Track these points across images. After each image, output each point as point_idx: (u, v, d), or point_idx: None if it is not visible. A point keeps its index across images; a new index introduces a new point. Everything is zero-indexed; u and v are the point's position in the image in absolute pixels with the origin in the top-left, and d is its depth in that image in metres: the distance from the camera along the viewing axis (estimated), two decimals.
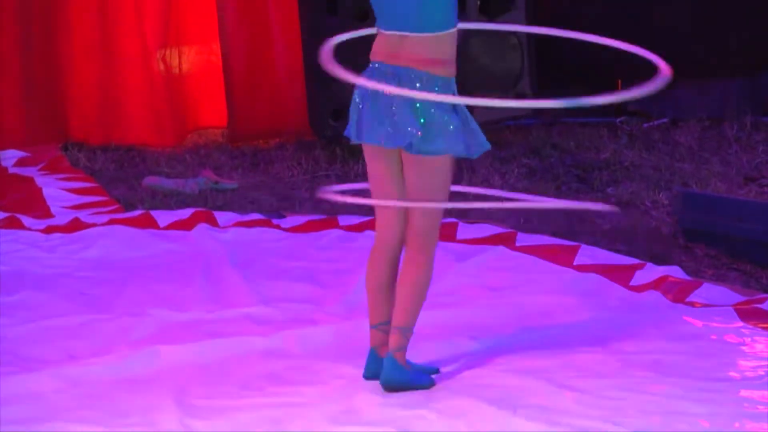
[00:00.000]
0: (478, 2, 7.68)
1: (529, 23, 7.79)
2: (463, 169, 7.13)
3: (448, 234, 5.61)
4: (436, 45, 4.02)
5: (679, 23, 8.28)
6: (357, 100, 4.08)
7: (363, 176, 4.37)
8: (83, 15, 8.04)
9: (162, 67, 8.14)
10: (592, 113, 8.39)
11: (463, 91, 7.67)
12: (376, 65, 4.03)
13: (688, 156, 7.29)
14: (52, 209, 6.46)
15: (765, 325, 4.60)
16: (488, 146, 4.22)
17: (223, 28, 8.11)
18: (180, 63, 8.20)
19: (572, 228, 5.99)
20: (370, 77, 4.00)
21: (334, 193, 4.09)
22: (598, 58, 8.40)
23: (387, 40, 4.03)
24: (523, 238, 5.71)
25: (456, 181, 6.81)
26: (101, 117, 8.09)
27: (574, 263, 5.37)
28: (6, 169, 7.45)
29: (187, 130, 8.26)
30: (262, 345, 4.51)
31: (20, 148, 7.72)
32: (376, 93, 4.00)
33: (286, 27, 8.03)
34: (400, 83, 3.97)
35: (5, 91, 7.93)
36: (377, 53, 4.06)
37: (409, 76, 3.98)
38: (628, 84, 8.44)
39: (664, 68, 3.91)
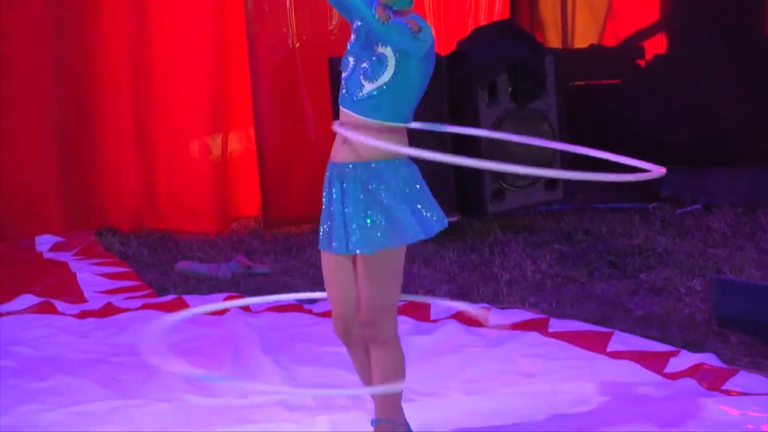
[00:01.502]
0: (509, 88, 7.73)
1: (560, 109, 7.83)
2: (495, 253, 7.12)
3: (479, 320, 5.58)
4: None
5: (711, 108, 8.30)
6: None
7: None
8: (119, 102, 8.13)
9: (198, 153, 8.21)
10: (623, 199, 8.39)
11: (495, 177, 7.74)
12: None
13: (721, 242, 7.26)
14: (86, 294, 6.49)
15: None
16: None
17: (257, 115, 8.19)
18: (219, 149, 8.27)
19: (605, 314, 5.96)
20: None
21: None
22: (630, 143, 8.44)
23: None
24: (556, 324, 5.68)
25: (488, 265, 6.86)
26: (137, 204, 8.15)
27: (608, 350, 5.33)
28: (41, 254, 7.50)
29: (228, 218, 8.30)
30: (293, 431, 4.49)
31: (55, 233, 7.78)
32: None
33: (319, 113, 8.10)
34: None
35: (42, 178, 8.01)
36: None
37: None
38: (659, 180, 8.49)
39: (656, 170, 3.86)
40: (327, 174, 4.02)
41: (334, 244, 3.96)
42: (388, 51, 3.91)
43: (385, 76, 3.91)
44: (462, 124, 7.57)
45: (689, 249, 7.11)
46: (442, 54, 7.77)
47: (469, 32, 8.29)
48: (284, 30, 8.20)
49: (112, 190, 8.18)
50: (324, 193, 4.01)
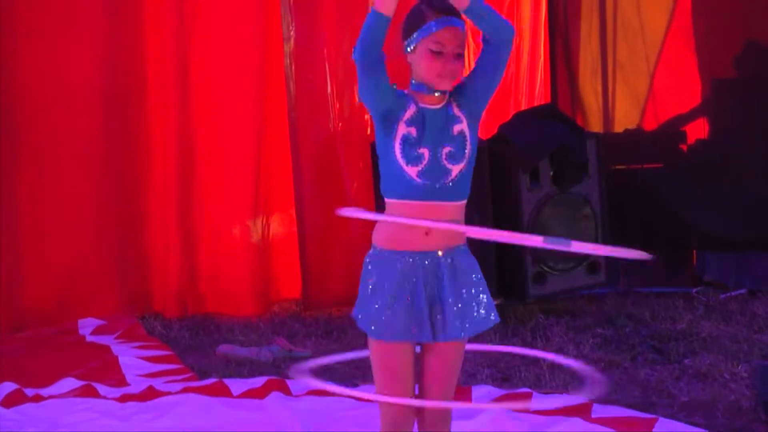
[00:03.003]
0: (551, 172, 7.74)
1: (601, 193, 7.83)
2: (537, 338, 7.08)
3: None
4: None
5: (755, 193, 8.26)
6: None
7: None
8: (164, 188, 8.18)
9: (240, 236, 8.25)
10: (667, 283, 8.34)
11: (536, 261, 7.73)
12: None
13: (766, 327, 7.19)
14: (128, 377, 6.50)
15: None
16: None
17: (299, 197, 8.24)
18: (260, 232, 8.30)
19: (649, 399, 5.90)
20: None
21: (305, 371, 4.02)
22: (673, 227, 8.42)
23: None
24: (599, 410, 5.62)
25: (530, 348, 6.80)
26: (180, 289, 8.17)
27: None
28: (84, 337, 7.53)
29: (269, 300, 8.32)
30: None
31: (98, 317, 7.82)
32: None
33: (360, 195, 8.14)
34: None
35: (85, 263, 8.06)
36: None
37: None
38: (702, 260, 8.46)
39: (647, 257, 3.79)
40: (404, 263, 3.88)
41: (414, 330, 3.86)
42: (464, 125, 3.89)
43: (468, 152, 3.88)
44: (504, 208, 7.60)
45: (734, 334, 7.04)
46: (484, 138, 7.80)
47: (510, 116, 8.33)
48: (325, 113, 8.27)
49: (156, 276, 8.21)
50: (392, 283, 3.86)
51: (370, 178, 7.82)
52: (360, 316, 3.94)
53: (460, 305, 3.88)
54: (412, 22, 3.87)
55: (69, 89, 7.99)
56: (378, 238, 3.95)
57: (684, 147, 8.62)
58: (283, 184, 8.40)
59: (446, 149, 3.85)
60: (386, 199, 3.93)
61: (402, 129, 3.86)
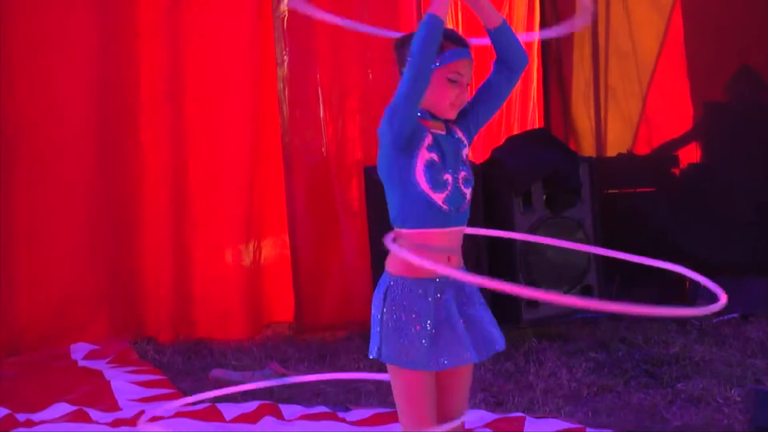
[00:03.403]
0: (544, 196, 7.75)
1: (594, 217, 7.85)
2: (531, 362, 7.08)
3: (515, 429, 5.52)
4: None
5: (747, 217, 8.28)
6: None
7: None
8: (156, 212, 8.17)
9: (232, 260, 8.25)
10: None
11: (530, 285, 7.73)
12: None
13: (759, 352, 7.19)
14: (120, 402, 6.47)
15: None
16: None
17: (292, 221, 8.24)
18: (251, 256, 8.30)
19: (642, 424, 5.89)
20: None
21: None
22: (665, 251, 8.43)
23: None
24: None
25: (523, 373, 6.80)
26: (173, 313, 8.16)
27: None
28: (76, 362, 7.51)
29: (261, 323, 8.32)
30: None
31: (90, 341, 7.80)
32: None
33: (353, 220, 8.14)
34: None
35: (77, 288, 8.04)
36: None
37: None
38: (695, 285, 8.49)
39: (722, 297, 3.77)
40: (434, 289, 3.83)
41: (467, 354, 3.81)
42: (468, 149, 3.90)
43: (471, 175, 3.92)
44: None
45: (727, 358, 7.04)
46: (477, 162, 7.82)
47: (503, 140, 8.35)
48: (318, 137, 8.28)
49: (148, 300, 8.20)
50: (427, 311, 3.80)
51: (363, 203, 7.82)
52: (385, 350, 3.80)
53: (490, 319, 3.94)
54: (404, 56, 3.80)
55: (62, 109, 7.99)
56: (400, 269, 3.85)
57: (676, 171, 8.64)
58: (276, 207, 8.40)
59: (462, 174, 3.85)
60: (404, 229, 3.84)
61: (425, 155, 3.81)
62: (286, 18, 8.17)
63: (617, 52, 8.74)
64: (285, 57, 8.18)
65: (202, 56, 8.18)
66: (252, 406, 6.24)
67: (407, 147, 3.79)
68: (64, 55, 7.99)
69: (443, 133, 3.88)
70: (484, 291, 4.04)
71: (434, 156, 3.81)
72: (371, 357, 3.84)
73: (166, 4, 8.11)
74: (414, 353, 3.77)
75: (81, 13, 8.01)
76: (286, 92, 8.21)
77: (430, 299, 3.82)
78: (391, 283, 3.84)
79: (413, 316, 3.79)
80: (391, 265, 3.87)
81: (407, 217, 3.83)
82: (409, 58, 3.68)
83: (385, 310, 3.81)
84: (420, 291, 3.82)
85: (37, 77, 7.92)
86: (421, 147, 3.81)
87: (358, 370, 7.18)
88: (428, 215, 3.81)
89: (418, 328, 3.79)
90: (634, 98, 8.71)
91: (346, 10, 8.17)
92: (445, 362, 3.79)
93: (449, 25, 8.63)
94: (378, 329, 3.83)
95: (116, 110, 8.14)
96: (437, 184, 3.80)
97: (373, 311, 3.87)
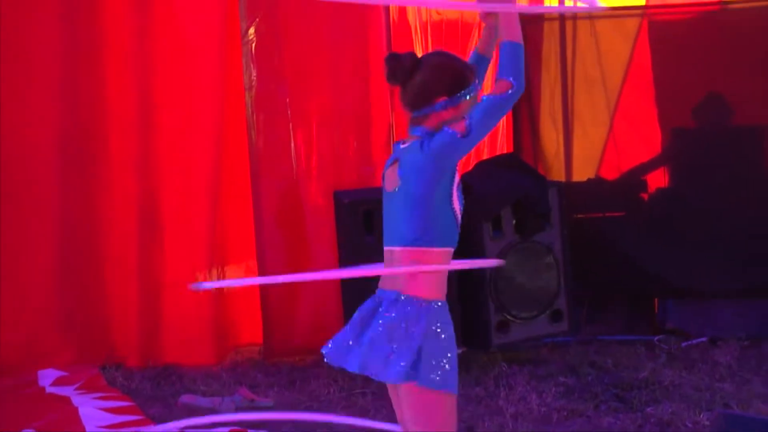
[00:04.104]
0: (513, 221, 7.77)
1: (564, 242, 7.87)
2: (500, 386, 7.07)
3: None
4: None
5: (715, 242, 8.32)
6: None
7: None
8: (123, 236, 8.14)
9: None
10: (629, 331, 8.37)
11: (500, 309, 7.75)
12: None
13: (728, 376, 7.22)
14: (87, 429, 6.42)
15: None
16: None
17: (260, 247, 8.22)
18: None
19: None
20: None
21: None
22: (634, 275, 8.46)
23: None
24: None
25: (493, 398, 6.80)
26: (140, 338, 8.12)
27: None
28: (44, 389, 7.45)
29: (230, 349, 8.29)
30: None
31: (58, 368, 7.75)
32: None
33: (324, 245, 8.13)
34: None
35: (45, 314, 7.99)
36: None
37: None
38: (664, 309, 8.51)
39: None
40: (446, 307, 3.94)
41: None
42: None
43: None
44: (467, 257, 7.61)
45: (696, 383, 7.06)
46: None
47: (472, 166, 8.37)
48: (288, 162, 8.27)
49: (115, 324, 8.15)
50: (453, 333, 3.90)
51: (332, 227, 7.81)
52: (430, 376, 3.82)
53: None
54: (461, 79, 3.94)
55: (28, 133, 7.95)
56: (433, 291, 3.90)
57: (645, 196, 8.68)
58: (245, 232, 8.38)
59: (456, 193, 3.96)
60: (435, 248, 3.90)
61: (457, 176, 3.94)
62: (254, 43, 8.17)
63: (585, 77, 8.78)
64: (253, 82, 8.18)
65: (171, 81, 8.16)
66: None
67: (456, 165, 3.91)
68: (30, 77, 7.96)
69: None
70: (456, 316, 4.06)
71: (457, 176, 3.93)
72: (399, 382, 3.84)
73: (134, 29, 8.10)
74: (455, 377, 3.85)
75: (48, 35, 7.99)
76: (255, 117, 8.20)
77: (447, 320, 3.90)
78: (428, 307, 3.86)
79: (453, 340, 3.87)
80: (424, 289, 3.89)
81: (440, 236, 3.90)
82: (509, 79, 3.84)
83: (428, 335, 3.83)
84: (448, 313, 3.91)
85: (2, 100, 7.88)
86: (456, 167, 3.91)
87: (328, 395, 7.16)
88: (454, 234, 3.94)
89: (454, 350, 3.87)
90: (603, 124, 8.75)
91: (315, 27, 8.19)
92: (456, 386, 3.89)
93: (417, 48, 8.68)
94: (416, 357, 3.81)
95: (83, 135, 8.10)
96: (461, 204, 3.94)
97: (404, 338, 3.83)
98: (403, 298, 3.86)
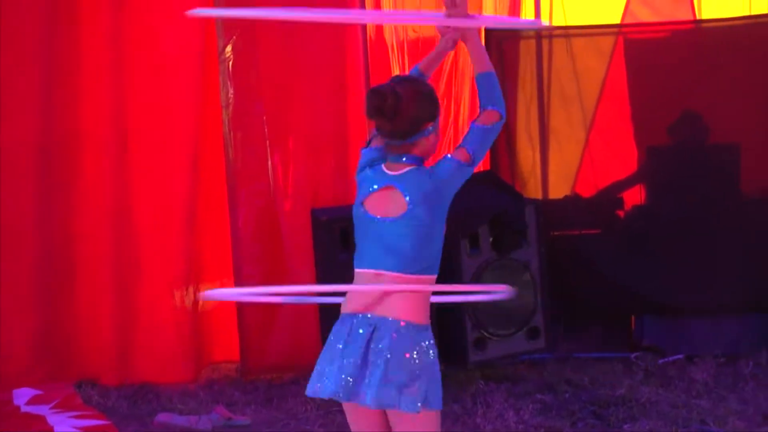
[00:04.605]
0: (491, 239, 7.77)
1: (541, 259, 7.88)
2: (478, 404, 7.07)
3: None
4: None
5: (691, 259, 8.35)
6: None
7: None
8: (98, 253, 8.11)
9: (178, 304, 8.18)
10: (605, 349, 8.39)
11: (477, 326, 7.75)
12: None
13: (704, 393, 7.23)
14: None
15: None
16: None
17: (237, 264, 8.20)
18: (196, 300, 8.24)
19: None
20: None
21: None
22: (611, 292, 8.48)
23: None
24: None
25: (470, 415, 6.79)
26: (116, 356, 8.08)
27: None
28: (18, 408, 7.41)
29: (206, 366, 8.26)
30: None
31: (34, 386, 7.70)
32: None
33: (301, 262, 8.12)
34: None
35: (19, 332, 7.95)
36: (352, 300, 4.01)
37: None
38: (640, 320, 8.53)
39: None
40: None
41: None
42: None
43: None
44: (444, 274, 7.60)
45: (673, 400, 7.07)
46: None
47: None
48: (265, 180, 8.26)
49: (91, 343, 8.11)
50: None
51: (309, 244, 7.80)
52: (435, 399, 3.97)
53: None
54: (437, 102, 4.04)
55: (1, 154, 7.93)
56: (427, 316, 4.07)
57: (621, 213, 8.70)
58: (221, 250, 8.36)
59: None
60: (429, 276, 4.01)
61: None
62: (231, 61, 8.17)
63: (561, 95, 8.81)
64: (230, 99, 8.18)
65: (147, 98, 8.14)
66: None
67: None
68: (6, 93, 7.93)
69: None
70: (434, 334, 4.10)
71: None
72: (415, 411, 3.91)
73: (111, 45, 8.08)
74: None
75: (24, 50, 7.97)
76: (232, 135, 8.20)
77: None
78: (424, 333, 4.03)
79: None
80: (422, 316, 4.04)
81: (432, 263, 4.02)
82: (496, 108, 3.99)
83: (432, 362, 4.01)
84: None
85: None
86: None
87: (305, 413, 7.15)
88: (439, 260, 4.03)
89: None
90: (579, 141, 8.78)
91: (293, 45, 8.19)
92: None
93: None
94: (427, 386, 3.95)
95: (59, 152, 8.08)
96: None
97: (416, 368, 3.95)
98: (403, 324, 3.95)
